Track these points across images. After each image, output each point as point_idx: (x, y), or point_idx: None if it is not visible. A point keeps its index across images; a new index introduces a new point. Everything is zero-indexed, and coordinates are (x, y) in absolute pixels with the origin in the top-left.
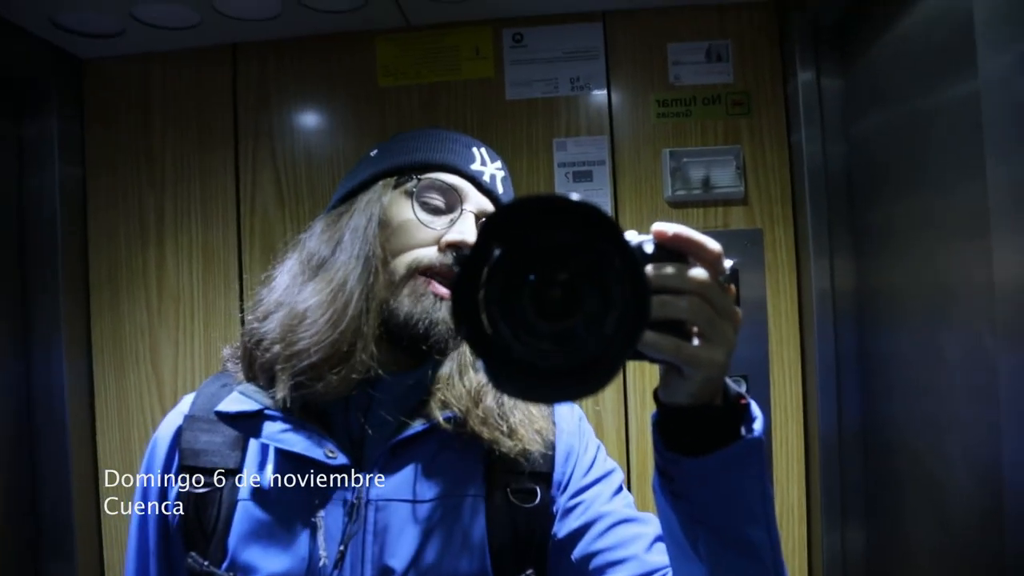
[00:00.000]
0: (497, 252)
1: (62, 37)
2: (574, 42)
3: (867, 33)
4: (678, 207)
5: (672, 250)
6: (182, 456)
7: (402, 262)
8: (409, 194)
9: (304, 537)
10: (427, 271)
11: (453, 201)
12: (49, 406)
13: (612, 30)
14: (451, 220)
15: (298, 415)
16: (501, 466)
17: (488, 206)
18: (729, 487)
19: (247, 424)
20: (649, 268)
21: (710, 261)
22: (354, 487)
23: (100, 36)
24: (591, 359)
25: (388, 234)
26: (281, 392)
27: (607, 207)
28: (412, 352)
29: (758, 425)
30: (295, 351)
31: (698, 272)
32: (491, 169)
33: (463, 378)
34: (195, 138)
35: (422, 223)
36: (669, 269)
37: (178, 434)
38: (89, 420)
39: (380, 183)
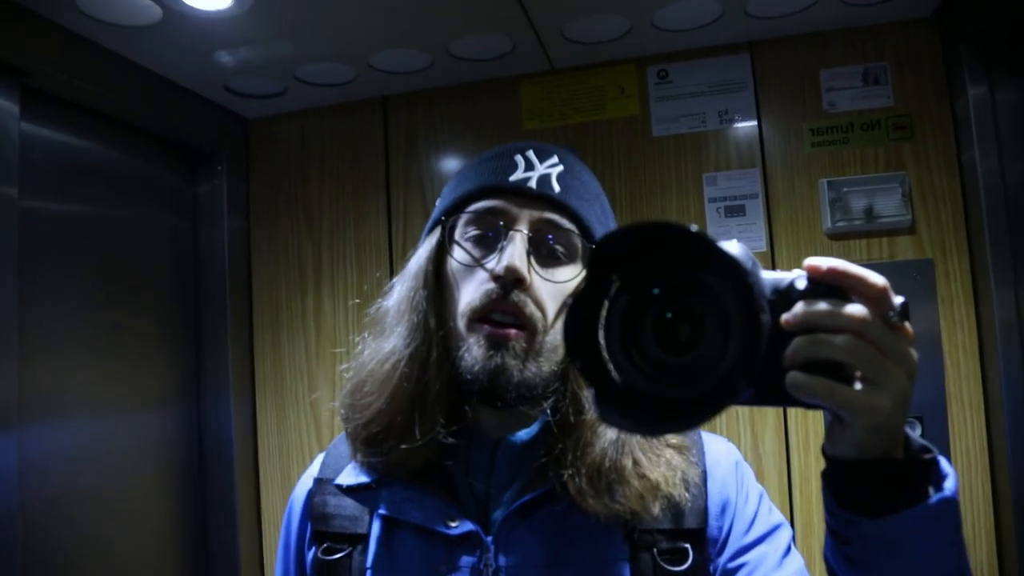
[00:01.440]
0: (616, 283)
1: (232, 100)
2: (720, 75)
3: None
4: (838, 239)
5: (829, 286)
6: (314, 521)
7: (461, 315)
8: (450, 239)
9: None
10: (482, 316)
11: (494, 228)
12: (218, 443)
13: (760, 60)
14: (500, 249)
15: (418, 480)
16: (644, 525)
17: (545, 214)
18: (919, 555)
19: (366, 495)
20: (800, 304)
21: (873, 297)
22: (481, 554)
23: (265, 96)
24: (707, 393)
25: (446, 288)
26: (360, 462)
27: (761, 241)
28: (514, 409)
29: (950, 483)
30: (359, 422)
31: (855, 308)
32: (541, 170)
33: (567, 437)
34: (349, 187)
35: (465, 265)
36: (822, 305)
37: (309, 497)
38: (252, 456)
39: (429, 235)
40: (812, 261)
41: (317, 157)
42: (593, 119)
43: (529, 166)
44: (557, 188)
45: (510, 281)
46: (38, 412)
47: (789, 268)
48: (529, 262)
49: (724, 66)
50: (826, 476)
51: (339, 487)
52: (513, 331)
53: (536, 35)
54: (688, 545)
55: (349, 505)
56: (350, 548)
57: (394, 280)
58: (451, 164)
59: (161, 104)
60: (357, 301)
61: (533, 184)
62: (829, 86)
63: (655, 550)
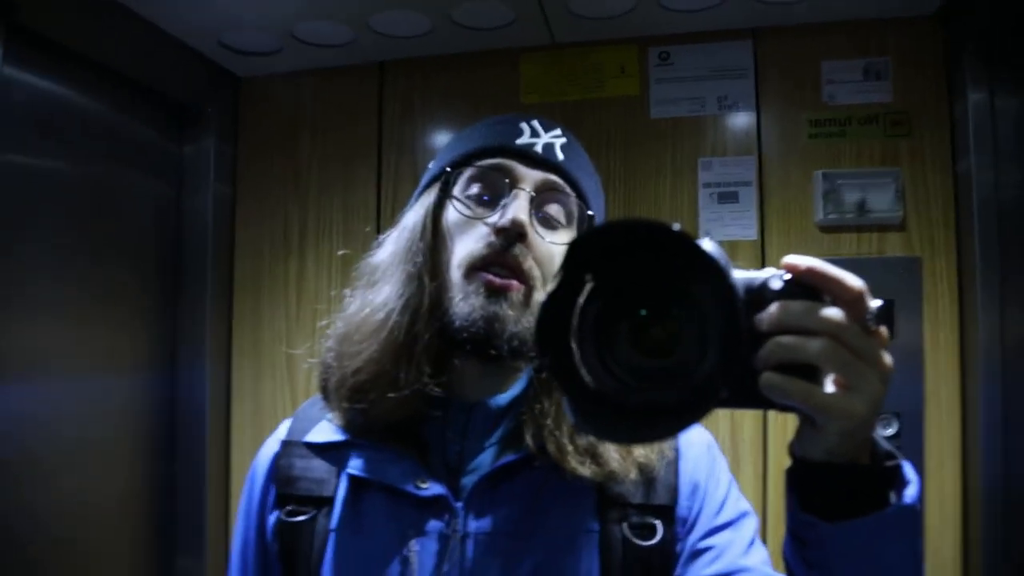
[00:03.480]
0: (590, 282)
1: (225, 56)
2: (722, 60)
3: None
4: (829, 231)
5: (807, 287)
6: (278, 483)
7: (457, 265)
8: (452, 192)
9: (395, 571)
10: (482, 266)
11: (499, 184)
12: (190, 408)
13: (762, 47)
14: (503, 206)
15: (390, 440)
16: (616, 497)
17: (550, 176)
18: (874, 561)
19: (336, 455)
20: (774, 305)
21: (849, 300)
22: (450, 519)
23: (259, 54)
24: (685, 397)
25: (441, 241)
26: (338, 421)
27: (752, 229)
28: (498, 366)
29: (912, 491)
30: (345, 373)
31: (831, 311)
32: (546, 138)
33: (549, 396)
34: (340, 152)
35: (467, 217)
36: (796, 306)
37: (275, 460)
38: (225, 424)
39: (428, 189)
40: (791, 259)
41: (309, 120)
42: (592, 97)
43: (534, 133)
44: (561, 156)
45: (514, 234)
46: (10, 372)
47: (779, 259)
48: (531, 220)
49: (726, 51)
50: (791, 477)
51: (308, 445)
52: (514, 282)
53: (540, 5)
54: (658, 521)
55: (317, 467)
56: (315, 511)
57: (384, 235)
58: (446, 133)
59: (150, 54)
60: (344, 252)
61: (539, 149)
62: (830, 78)
63: (625, 524)
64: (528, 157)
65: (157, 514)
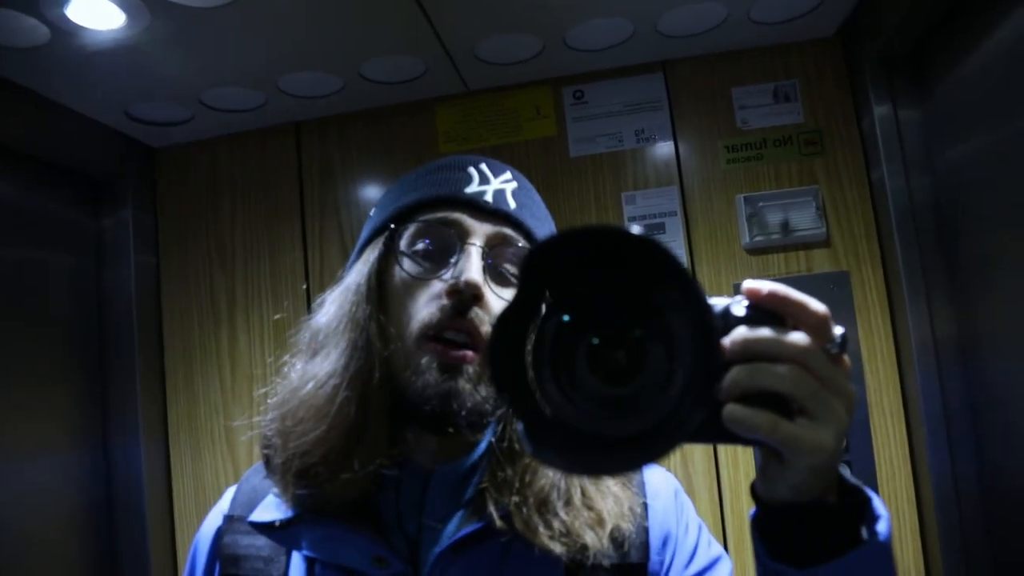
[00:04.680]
0: (547, 300)
1: (135, 128)
2: (636, 94)
3: (946, 60)
4: (757, 253)
5: (768, 313)
6: (222, 562)
7: (410, 331)
8: (397, 249)
9: None
10: (435, 333)
11: (448, 239)
12: (128, 488)
13: (673, 79)
14: (452, 263)
15: (342, 514)
16: (584, 563)
17: (502, 229)
18: None
19: (284, 534)
20: (739, 330)
21: (814, 325)
22: None
23: (170, 124)
24: (652, 427)
25: (389, 303)
26: (287, 495)
27: (682, 257)
28: (457, 438)
29: (883, 527)
30: (290, 455)
31: (798, 336)
32: (496, 184)
33: (512, 463)
34: (262, 217)
35: (415, 278)
36: (764, 331)
37: (218, 536)
38: (167, 502)
39: (373, 242)
40: (751, 284)
41: (228, 186)
42: (510, 141)
43: (484, 179)
44: (513, 204)
45: (468, 296)
46: None
47: (712, 285)
48: (485, 278)
49: (638, 85)
50: (756, 522)
51: (253, 524)
52: (469, 353)
53: (448, 55)
54: None
55: (264, 545)
56: None
57: (325, 295)
58: (368, 190)
59: (56, 132)
60: (279, 316)
61: (489, 198)
62: (742, 103)
63: None
64: (478, 208)
65: None
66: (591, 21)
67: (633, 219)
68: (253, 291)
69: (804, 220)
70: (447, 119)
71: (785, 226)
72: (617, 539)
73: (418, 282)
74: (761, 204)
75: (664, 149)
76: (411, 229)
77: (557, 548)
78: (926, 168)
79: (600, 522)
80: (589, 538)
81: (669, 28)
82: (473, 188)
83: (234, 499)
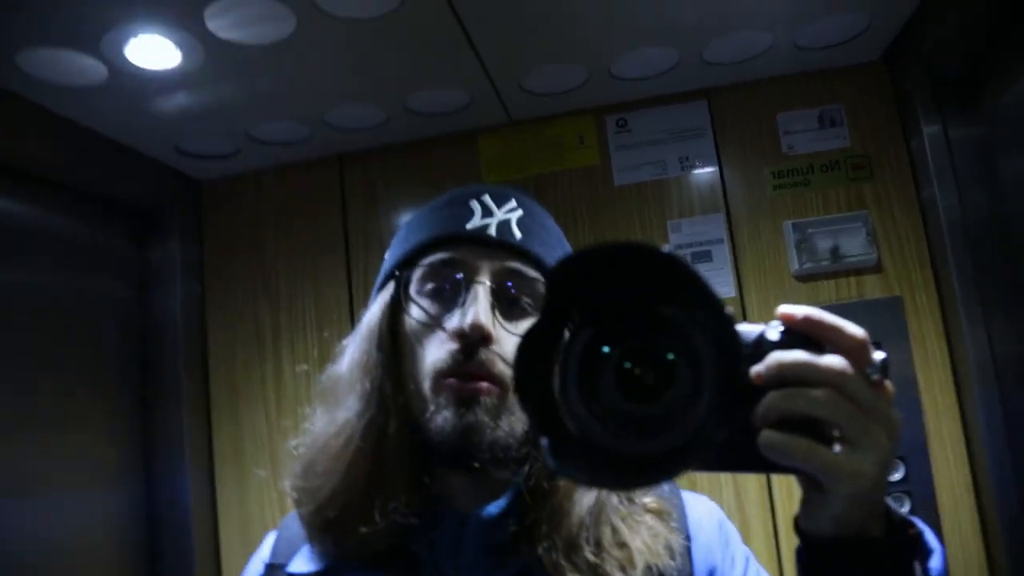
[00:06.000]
0: (574, 317)
1: (183, 162)
2: (679, 122)
3: (998, 78)
4: (806, 280)
5: (803, 337)
6: None
7: (423, 375)
8: (406, 294)
9: None
10: (447, 376)
11: (454, 280)
12: (173, 523)
13: (717, 106)
14: (461, 304)
15: (381, 563)
16: None
17: (509, 264)
18: None
19: None
20: (774, 355)
21: (851, 349)
22: None
23: (217, 157)
24: (679, 446)
25: (402, 348)
26: (316, 547)
27: (730, 287)
28: (485, 475)
29: (936, 563)
30: (314, 505)
31: (832, 359)
32: (500, 216)
33: (541, 505)
34: (307, 248)
35: (426, 323)
36: (798, 354)
37: None
38: (213, 536)
39: (385, 287)
40: (786, 309)
41: (273, 218)
42: (553, 169)
43: (487, 212)
44: (519, 234)
45: (475, 339)
46: None
47: (760, 313)
48: (494, 316)
49: (682, 113)
50: (801, 558)
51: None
52: (484, 384)
53: (494, 87)
54: None
55: None
56: None
57: (344, 342)
58: None
59: (108, 167)
60: (305, 367)
61: (493, 231)
62: (787, 129)
63: None
64: (482, 243)
65: None
66: (637, 51)
67: (679, 247)
68: (298, 323)
69: (854, 246)
70: (490, 149)
71: (835, 252)
72: (657, 573)
73: (429, 325)
74: (810, 230)
75: (709, 176)
76: (417, 273)
77: None
78: (978, 186)
79: (631, 561)
80: None
81: (714, 56)
82: (475, 223)
83: (275, 547)
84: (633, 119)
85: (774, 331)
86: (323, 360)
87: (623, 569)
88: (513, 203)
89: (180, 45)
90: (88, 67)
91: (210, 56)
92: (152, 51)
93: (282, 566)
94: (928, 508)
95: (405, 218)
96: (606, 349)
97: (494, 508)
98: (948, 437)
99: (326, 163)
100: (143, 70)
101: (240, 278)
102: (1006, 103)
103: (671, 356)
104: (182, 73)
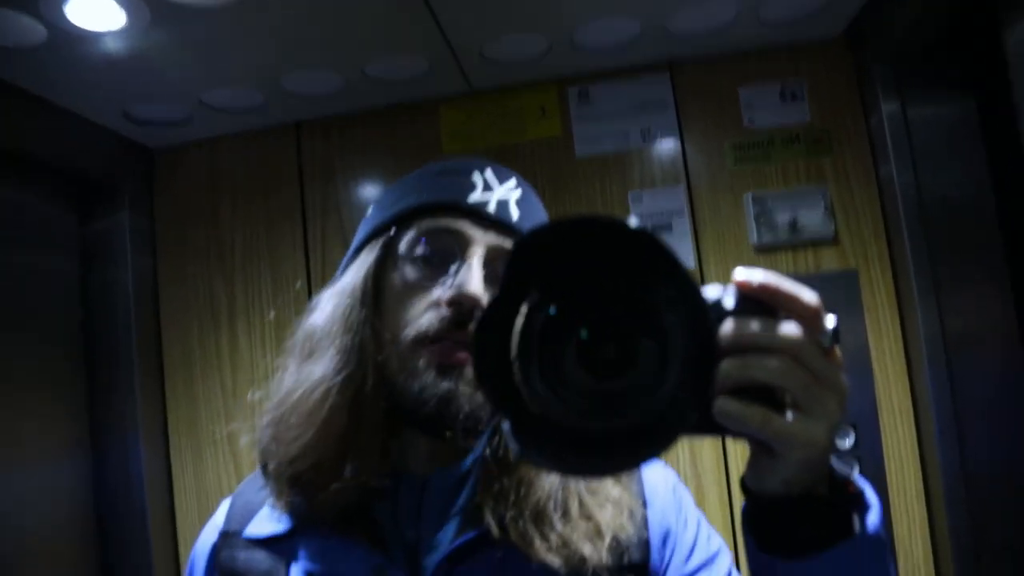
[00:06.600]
0: (534, 293)
1: (133, 129)
2: (641, 94)
3: (958, 59)
4: (765, 253)
5: (759, 303)
6: None
7: (406, 336)
8: (395, 253)
9: None
10: (432, 341)
11: (449, 248)
12: (128, 496)
13: (680, 79)
14: (452, 272)
15: (339, 525)
16: (584, 572)
17: (504, 241)
18: None
19: (282, 547)
20: (729, 322)
21: (806, 316)
22: None
23: (169, 124)
24: (646, 424)
25: (385, 308)
26: (281, 502)
27: (689, 258)
28: (451, 443)
29: (873, 518)
30: (283, 460)
31: (789, 327)
32: (500, 193)
33: (508, 474)
34: (263, 218)
35: (415, 285)
36: (754, 322)
37: (215, 553)
38: (169, 509)
39: (370, 244)
40: (742, 275)
41: (228, 187)
42: (515, 141)
43: (487, 187)
44: (516, 214)
45: (468, 308)
46: None
47: (719, 284)
48: (485, 289)
49: (644, 85)
50: (746, 514)
51: (249, 540)
52: (465, 354)
53: (453, 54)
54: None
55: (261, 559)
56: None
57: (319, 296)
58: (370, 191)
59: (52, 133)
60: (273, 313)
61: (492, 208)
62: (748, 103)
63: None
64: (480, 217)
65: None
66: (599, 20)
67: (640, 218)
68: (253, 293)
69: (812, 219)
70: (451, 119)
71: (793, 225)
72: (616, 547)
73: (417, 288)
74: (770, 203)
75: (670, 148)
76: (411, 234)
77: (554, 561)
78: (935, 165)
79: (599, 533)
80: (587, 550)
81: (677, 27)
82: (476, 196)
83: (229, 513)
84: (595, 91)
85: (730, 297)
86: (279, 331)
87: (591, 540)
88: (513, 182)
89: (124, 4)
90: (26, 27)
91: (157, 16)
92: (94, 10)
93: (238, 532)
94: (876, 474)
95: (369, 191)
96: (567, 324)
97: (455, 472)
98: (897, 406)
99: (283, 131)
100: (85, 31)
101: (193, 249)
102: (965, 83)
103: (635, 331)
104: (127, 34)
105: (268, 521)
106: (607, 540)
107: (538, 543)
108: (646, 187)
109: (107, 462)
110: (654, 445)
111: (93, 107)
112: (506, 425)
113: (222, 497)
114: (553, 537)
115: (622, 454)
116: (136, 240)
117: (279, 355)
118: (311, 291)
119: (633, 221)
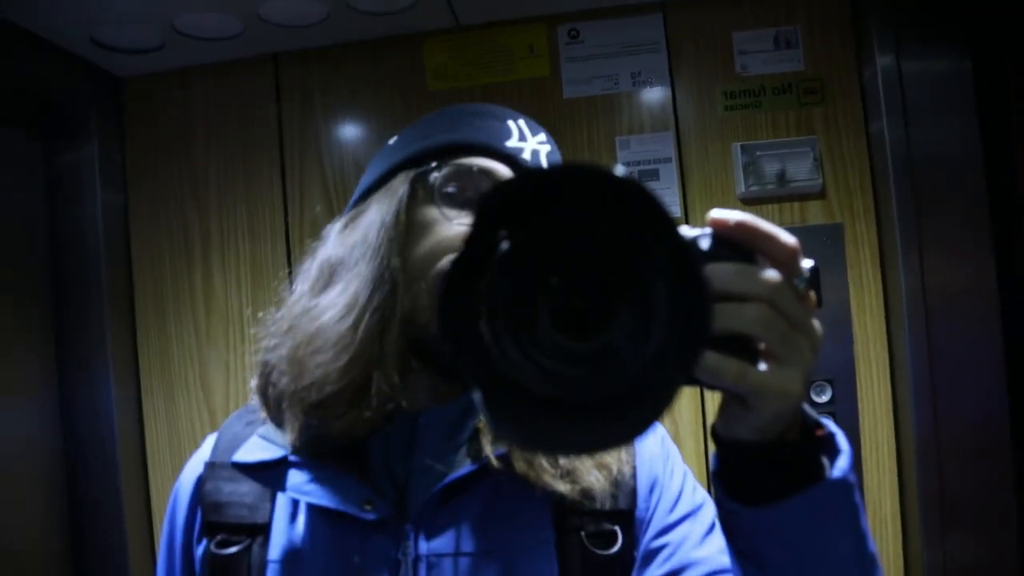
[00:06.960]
0: (504, 244)
1: (101, 55)
2: (633, 35)
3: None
4: (751, 203)
5: (735, 245)
6: (204, 510)
7: (432, 270)
8: (429, 187)
9: None
10: None
11: (483, 188)
12: (98, 437)
13: (673, 21)
14: None
15: (330, 458)
16: (573, 507)
17: None
18: (808, 543)
19: (270, 475)
20: (706, 269)
21: (783, 259)
22: (400, 542)
23: (140, 52)
24: (628, 389)
25: (413, 238)
26: (291, 434)
27: (675, 206)
28: (456, 378)
29: (843, 462)
30: (304, 384)
31: (768, 273)
32: (532, 144)
33: None
34: (239, 152)
35: (449, 220)
36: (730, 268)
37: (199, 484)
38: (140, 450)
39: (399, 176)
40: (718, 214)
41: (202, 120)
42: (502, 80)
43: (522, 136)
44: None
45: None
46: None
47: (692, 227)
48: None
49: (636, 26)
50: (716, 462)
51: (237, 465)
52: None
53: None
54: (617, 527)
55: (247, 490)
56: (249, 540)
57: (336, 225)
58: (350, 126)
59: (10, 57)
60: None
61: (527, 155)
62: (742, 49)
63: (583, 533)
64: (514, 164)
65: (73, 552)
66: None
67: (627, 164)
68: (229, 229)
69: (800, 171)
70: (436, 55)
71: (781, 176)
72: (611, 485)
73: (448, 225)
74: (758, 153)
75: (660, 94)
76: (447, 170)
77: (561, 487)
78: (928, 123)
79: (603, 465)
80: (593, 478)
81: None
82: (513, 143)
83: (216, 446)
84: (586, 30)
85: (705, 239)
86: (255, 269)
87: (597, 470)
88: (544, 136)
89: None
90: None
91: None
92: None
93: (225, 463)
94: (850, 429)
95: (349, 126)
96: (539, 277)
97: (452, 409)
98: (875, 361)
99: (260, 62)
100: None
101: (167, 183)
102: (962, 40)
103: (614, 285)
104: None
105: (257, 449)
106: (613, 472)
107: (547, 467)
108: (634, 132)
109: (76, 404)
110: (642, 413)
111: (56, 29)
112: (477, 395)
113: (195, 437)
114: (562, 464)
115: (607, 423)
116: (106, 173)
117: (262, 293)
118: (288, 225)
119: (620, 169)
